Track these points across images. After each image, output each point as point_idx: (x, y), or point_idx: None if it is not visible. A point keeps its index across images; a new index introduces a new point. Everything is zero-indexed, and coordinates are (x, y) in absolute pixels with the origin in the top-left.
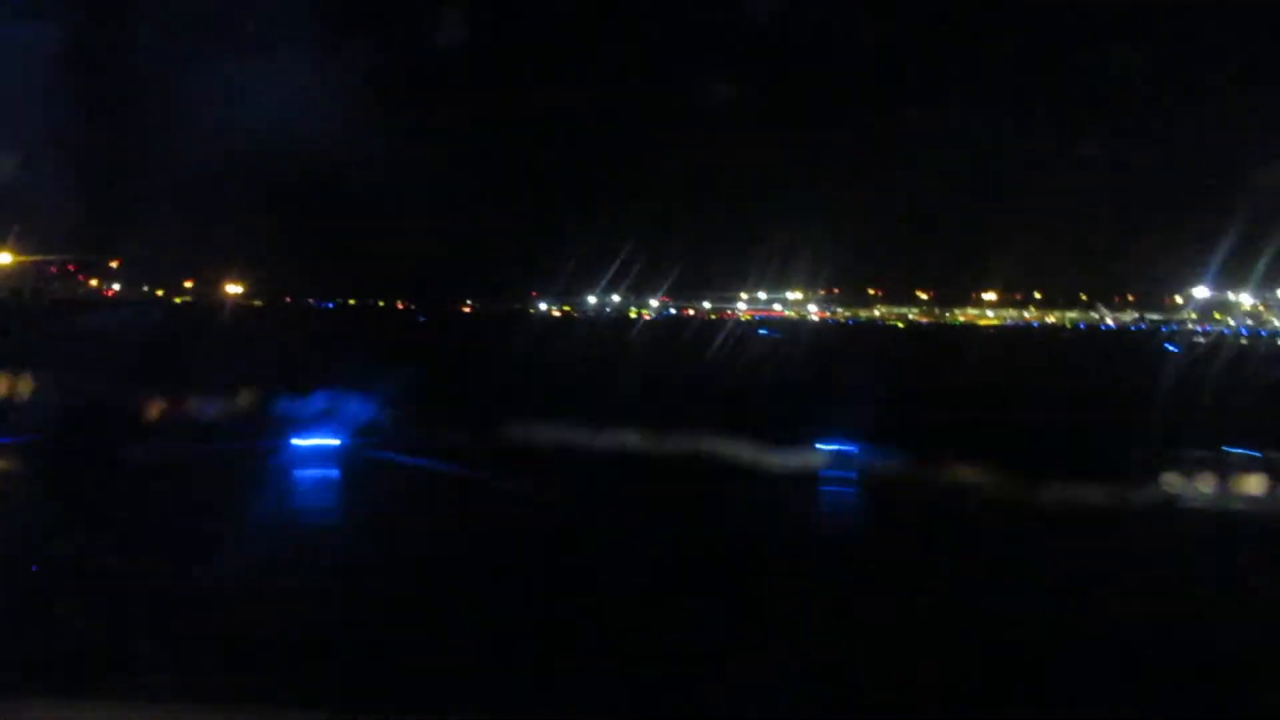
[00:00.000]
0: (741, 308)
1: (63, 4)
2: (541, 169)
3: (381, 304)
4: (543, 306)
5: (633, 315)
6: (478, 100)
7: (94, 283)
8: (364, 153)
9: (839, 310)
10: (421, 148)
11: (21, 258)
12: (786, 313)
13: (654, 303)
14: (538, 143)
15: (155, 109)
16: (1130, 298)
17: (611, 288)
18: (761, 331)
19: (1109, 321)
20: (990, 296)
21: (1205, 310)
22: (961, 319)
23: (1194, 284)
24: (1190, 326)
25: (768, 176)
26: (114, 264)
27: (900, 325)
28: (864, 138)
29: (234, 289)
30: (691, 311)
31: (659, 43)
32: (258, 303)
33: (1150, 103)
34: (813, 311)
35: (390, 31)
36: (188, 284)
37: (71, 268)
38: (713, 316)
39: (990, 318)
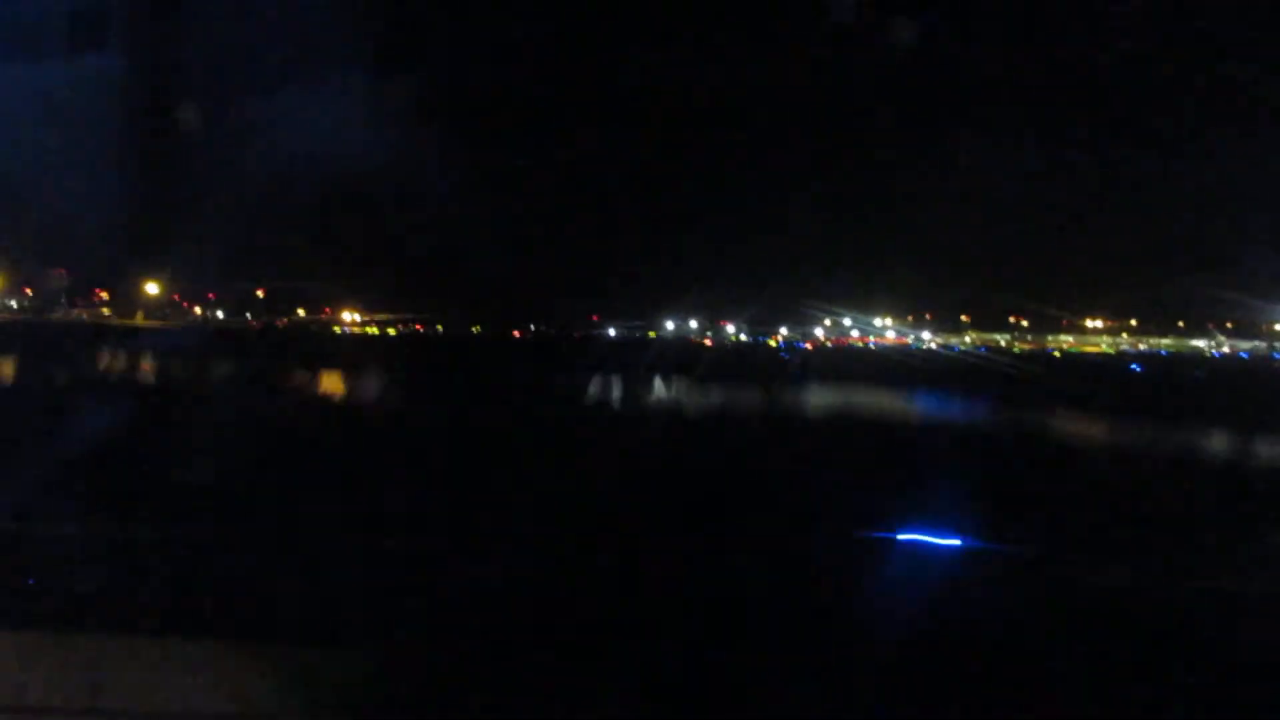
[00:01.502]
0: (819, 334)
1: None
2: (607, 192)
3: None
4: (611, 332)
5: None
6: (544, 124)
7: (198, 310)
8: (442, 185)
9: (932, 337)
10: (488, 173)
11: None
12: (871, 339)
13: (730, 328)
14: (605, 167)
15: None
16: (1228, 324)
17: (680, 313)
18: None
19: (1227, 349)
20: (1095, 324)
21: None
22: (1066, 346)
23: None
24: None
25: (846, 199)
26: (259, 293)
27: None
28: (952, 160)
29: (351, 316)
30: (777, 341)
31: (736, 63)
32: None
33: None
34: (893, 338)
35: (477, 67)
36: (301, 311)
37: (211, 296)
38: (830, 343)
39: (1100, 345)
